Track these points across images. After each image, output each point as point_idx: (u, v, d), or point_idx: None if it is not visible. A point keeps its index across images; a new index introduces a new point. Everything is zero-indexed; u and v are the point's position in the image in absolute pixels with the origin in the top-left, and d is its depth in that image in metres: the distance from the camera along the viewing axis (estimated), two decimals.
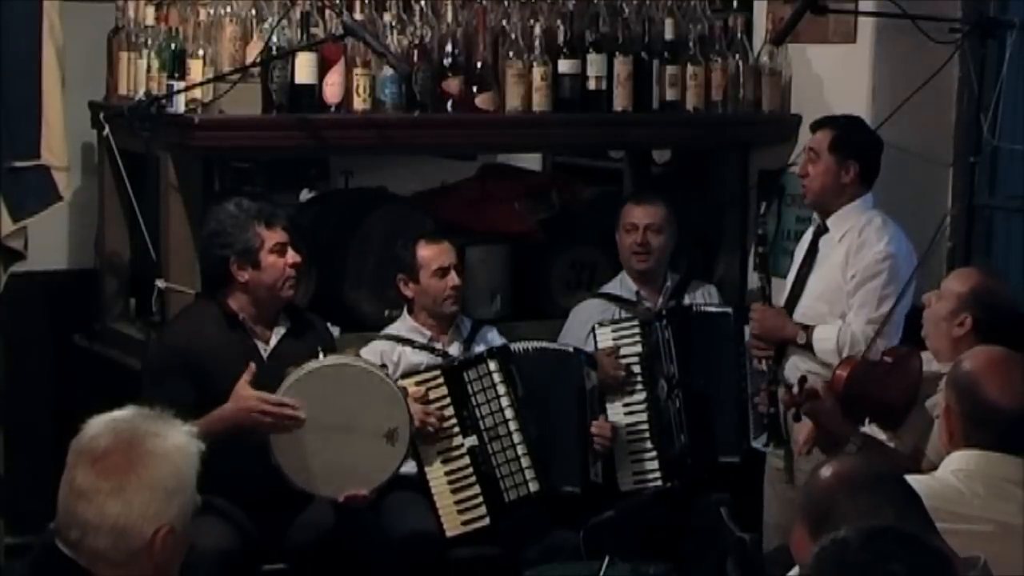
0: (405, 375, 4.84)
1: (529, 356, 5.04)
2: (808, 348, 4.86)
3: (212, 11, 4.99)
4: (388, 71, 5.02)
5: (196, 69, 4.86)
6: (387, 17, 5.13)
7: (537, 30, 5.29)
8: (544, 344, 5.14)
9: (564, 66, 5.32)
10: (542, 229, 5.90)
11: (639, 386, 5.22)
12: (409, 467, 4.79)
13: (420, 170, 6.30)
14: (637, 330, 5.23)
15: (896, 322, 4.79)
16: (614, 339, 5.23)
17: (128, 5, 5.35)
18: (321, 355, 4.49)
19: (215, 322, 4.56)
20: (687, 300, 5.45)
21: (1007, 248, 5.51)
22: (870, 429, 4.32)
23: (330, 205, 5.93)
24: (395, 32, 5.11)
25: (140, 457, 2.56)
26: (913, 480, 2.76)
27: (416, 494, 4.83)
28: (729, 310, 5.33)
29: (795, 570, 2.67)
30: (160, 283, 4.96)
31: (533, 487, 4.90)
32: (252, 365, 4.39)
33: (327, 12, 5.00)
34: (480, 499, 4.87)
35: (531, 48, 5.26)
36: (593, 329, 5.24)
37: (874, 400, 4.33)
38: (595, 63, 5.37)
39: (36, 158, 5.30)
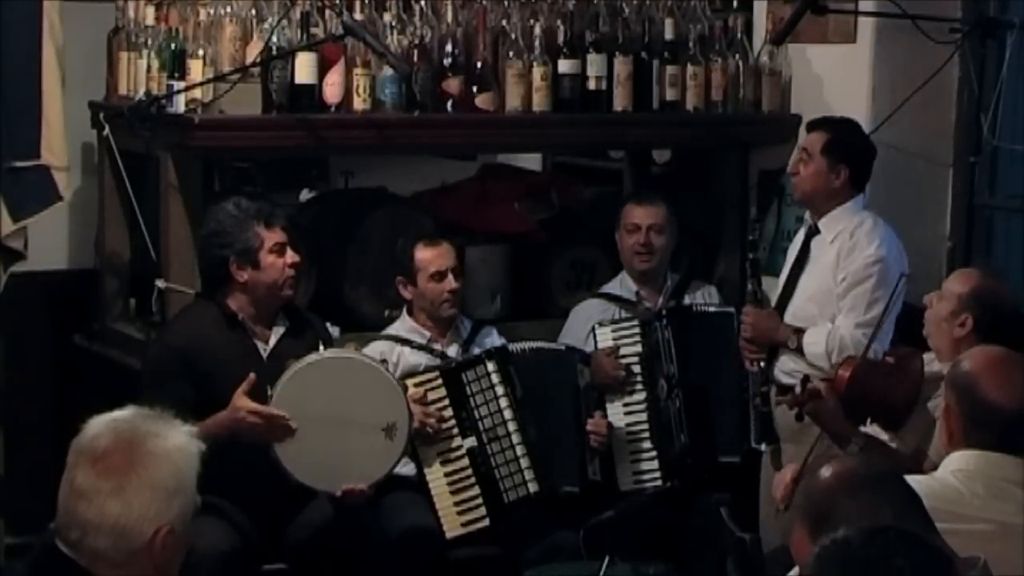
0: (404, 377, 4.83)
1: (526, 356, 5.04)
2: (799, 351, 4.86)
3: (212, 11, 4.99)
4: (388, 71, 5.02)
5: (196, 69, 4.86)
6: (387, 17, 5.13)
7: (537, 30, 5.28)
8: (540, 344, 5.15)
9: (564, 66, 5.32)
10: (542, 229, 5.89)
11: (639, 386, 5.22)
12: (409, 468, 4.80)
13: (420, 170, 6.29)
14: (637, 330, 5.23)
15: (885, 327, 4.77)
16: (614, 339, 5.23)
17: (128, 5, 5.35)
18: (321, 348, 4.50)
19: (215, 322, 4.56)
20: (687, 300, 5.45)
21: (1007, 248, 5.52)
22: (872, 429, 4.32)
23: (330, 205, 5.93)
24: (395, 32, 5.11)
25: (140, 457, 2.56)
26: (913, 480, 2.75)
27: (416, 494, 4.83)
28: (730, 310, 5.32)
29: (795, 570, 2.68)
30: (160, 283, 4.96)
31: (533, 488, 4.90)
32: (252, 375, 4.37)
33: (327, 12, 5.00)
34: (480, 500, 4.87)
35: (531, 48, 5.26)
36: (593, 329, 5.25)
37: (876, 400, 4.33)
38: (595, 63, 5.36)
39: (36, 158, 5.28)
